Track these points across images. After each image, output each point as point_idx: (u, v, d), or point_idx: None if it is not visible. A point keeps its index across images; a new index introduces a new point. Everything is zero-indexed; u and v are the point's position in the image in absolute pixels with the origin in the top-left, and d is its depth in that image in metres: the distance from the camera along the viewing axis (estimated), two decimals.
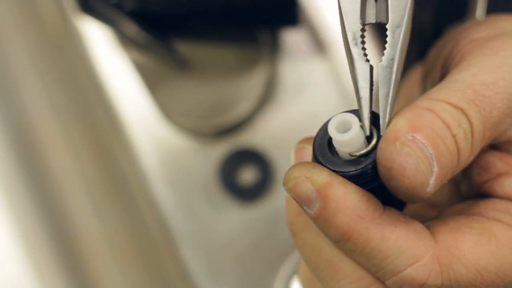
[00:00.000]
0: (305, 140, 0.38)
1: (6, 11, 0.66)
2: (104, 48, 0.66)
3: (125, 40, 0.66)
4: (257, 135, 0.65)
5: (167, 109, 0.65)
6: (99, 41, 0.67)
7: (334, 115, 0.36)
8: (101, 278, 0.62)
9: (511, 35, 0.39)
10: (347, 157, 0.35)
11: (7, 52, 0.65)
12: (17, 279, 0.60)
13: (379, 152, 0.34)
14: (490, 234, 0.35)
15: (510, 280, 0.36)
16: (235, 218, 0.64)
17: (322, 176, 0.34)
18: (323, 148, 0.36)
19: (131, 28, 0.63)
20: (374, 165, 0.35)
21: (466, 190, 0.40)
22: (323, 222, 0.34)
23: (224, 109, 0.65)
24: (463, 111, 0.34)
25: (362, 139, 0.35)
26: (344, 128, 0.35)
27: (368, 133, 0.35)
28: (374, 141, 0.35)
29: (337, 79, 0.65)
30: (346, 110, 0.36)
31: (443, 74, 0.41)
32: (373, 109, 0.35)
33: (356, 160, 0.35)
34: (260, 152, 0.65)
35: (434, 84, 0.43)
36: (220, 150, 0.65)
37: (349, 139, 0.34)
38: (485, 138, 0.36)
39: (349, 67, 0.35)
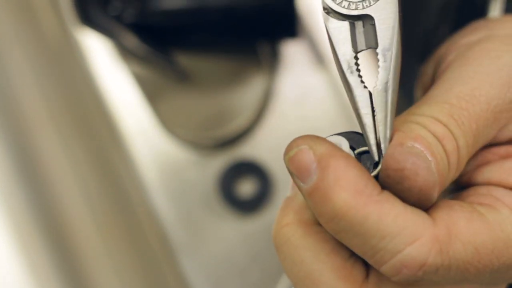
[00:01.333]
0: None
1: (6, 24, 0.66)
2: (104, 60, 0.66)
3: (125, 52, 0.66)
4: (256, 147, 0.65)
5: (167, 121, 0.65)
6: (99, 53, 0.67)
7: (332, 137, 0.35)
8: None
9: (491, 39, 0.39)
10: None
11: (7, 64, 0.65)
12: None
13: (387, 158, 0.33)
14: (479, 213, 0.35)
15: (504, 260, 0.35)
16: (235, 230, 0.64)
17: (325, 146, 0.33)
18: None
19: (131, 40, 0.64)
20: None
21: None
22: (319, 196, 0.33)
23: (224, 121, 0.65)
24: (446, 126, 0.35)
25: None
26: None
27: (376, 158, 0.35)
28: (379, 167, 0.35)
29: (336, 91, 0.66)
30: (346, 131, 0.36)
31: (433, 77, 0.41)
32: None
33: None
34: (260, 164, 0.65)
35: (424, 83, 0.43)
36: (219, 162, 0.65)
37: None
38: (469, 153, 0.36)
39: (348, 95, 0.35)
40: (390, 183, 0.34)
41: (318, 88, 0.66)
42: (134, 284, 0.63)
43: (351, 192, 0.33)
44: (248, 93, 0.65)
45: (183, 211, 0.64)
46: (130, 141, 0.65)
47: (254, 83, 0.65)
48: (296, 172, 0.34)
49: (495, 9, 0.47)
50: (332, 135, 0.35)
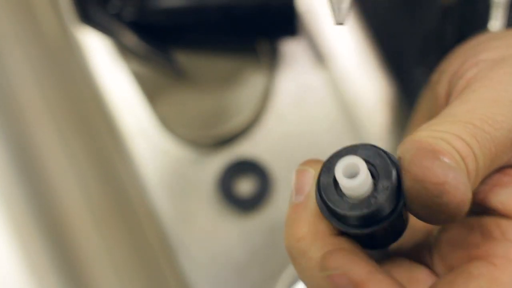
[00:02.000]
0: (308, 162, 0.38)
1: (6, 22, 0.66)
2: (103, 58, 0.66)
3: (124, 51, 0.66)
4: (256, 145, 0.65)
5: (167, 119, 0.65)
6: (99, 51, 0.67)
7: (339, 155, 0.35)
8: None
9: None
10: (355, 200, 0.35)
11: (6, 62, 0.65)
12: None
13: (425, 171, 0.33)
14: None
15: None
16: (234, 229, 0.64)
17: (360, 272, 0.34)
18: (329, 189, 0.35)
19: (131, 38, 0.64)
20: (387, 202, 0.34)
21: None
22: None
23: (223, 120, 0.65)
24: (469, 146, 0.35)
25: (369, 181, 0.34)
26: (351, 172, 0.34)
27: (335, 22, 0.35)
28: (394, 179, 0.34)
29: (336, 89, 0.66)
30: (357, 144, 0.35)
31: (449, 91, 0.41)
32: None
33: (365, 200, 0.34)
34: (259, 163, 0.65)
35: (436, 97, 0.43)
36: (219, 160, 0.65)
37: (358, 184, 0.34)
38: (484, 175, 0.36)
39: None
40: (425, 196, 0.34)
41: (318, 86, 0.66)
42: (133, 282, 0.63)
43: None
44: (248, 92, 0.65)
45: (182, 209, 0.64)
46: (129, 140, 0.65)
47: (253, 82, 0.65)
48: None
49: (497, 17, 0.47)
50: (346, 150, 0.35)
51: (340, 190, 0.35)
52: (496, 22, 0.46)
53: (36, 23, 0.68)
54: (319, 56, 0.66)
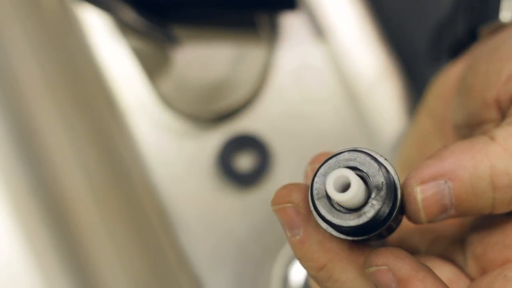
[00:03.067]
0: (318, 158, 0.38)
1: None
2: (103, 35, 0.66)
3: (124, 27, 0.66)
4: (256, 120, 0.65)
5: (166, 95, 0.65)
6: (98, 28, 0.67)
7: (326, 169, 0.34)
8: (102, 267, 0.62)
9: None
10: (354, 209, 0.34)
11: (5, 39, 0.65)
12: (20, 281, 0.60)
13: None
14: None
15: None
16: (234, 204, 0.64)
17: (404, 268, 0.34)
18: (326, 207, 0.34)
19: (130, 14, 0.63)
20: (381, 210, 0.34)
21: None
22: None
23: (223, 95, 0.65)
24: None
25: (362, 190, 0.33)
26: (343, 184, 0.33)
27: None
28: (383, 191, 0.34)
29: (336, 63, 0.65)
30: (344, 150, 0.35)
31: (500, 97, 0.39)
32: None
33: (365, 207, 0.34)
34: (259, 137, 0.64)
35: (475, 97, 0.41)
36: (219, 135, 0.65)
37: (351, 196, 0.33)
38: None
39: None
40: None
41: (317, 60, 0.65)
42: (132, 257, 0.63)
43: None
44: (247, 66, 0.65)
45: (182, 184, 0.64)
46: (129, 115, 0.65)
47: (253, 56, 0.65)
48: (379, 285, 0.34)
49: (509, 8, 0.46)
50: (331, 161, 0.35)
51: (336, 203, 0.34)
52: (507, 13, 0.44)
53: (36, 0, 0.67)
54: (318, 30, 0.66)
